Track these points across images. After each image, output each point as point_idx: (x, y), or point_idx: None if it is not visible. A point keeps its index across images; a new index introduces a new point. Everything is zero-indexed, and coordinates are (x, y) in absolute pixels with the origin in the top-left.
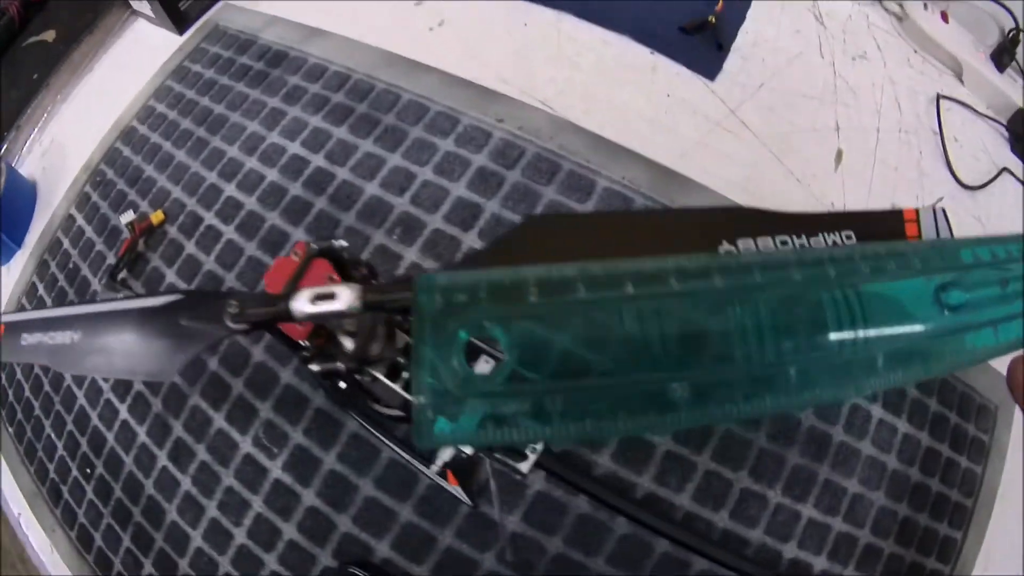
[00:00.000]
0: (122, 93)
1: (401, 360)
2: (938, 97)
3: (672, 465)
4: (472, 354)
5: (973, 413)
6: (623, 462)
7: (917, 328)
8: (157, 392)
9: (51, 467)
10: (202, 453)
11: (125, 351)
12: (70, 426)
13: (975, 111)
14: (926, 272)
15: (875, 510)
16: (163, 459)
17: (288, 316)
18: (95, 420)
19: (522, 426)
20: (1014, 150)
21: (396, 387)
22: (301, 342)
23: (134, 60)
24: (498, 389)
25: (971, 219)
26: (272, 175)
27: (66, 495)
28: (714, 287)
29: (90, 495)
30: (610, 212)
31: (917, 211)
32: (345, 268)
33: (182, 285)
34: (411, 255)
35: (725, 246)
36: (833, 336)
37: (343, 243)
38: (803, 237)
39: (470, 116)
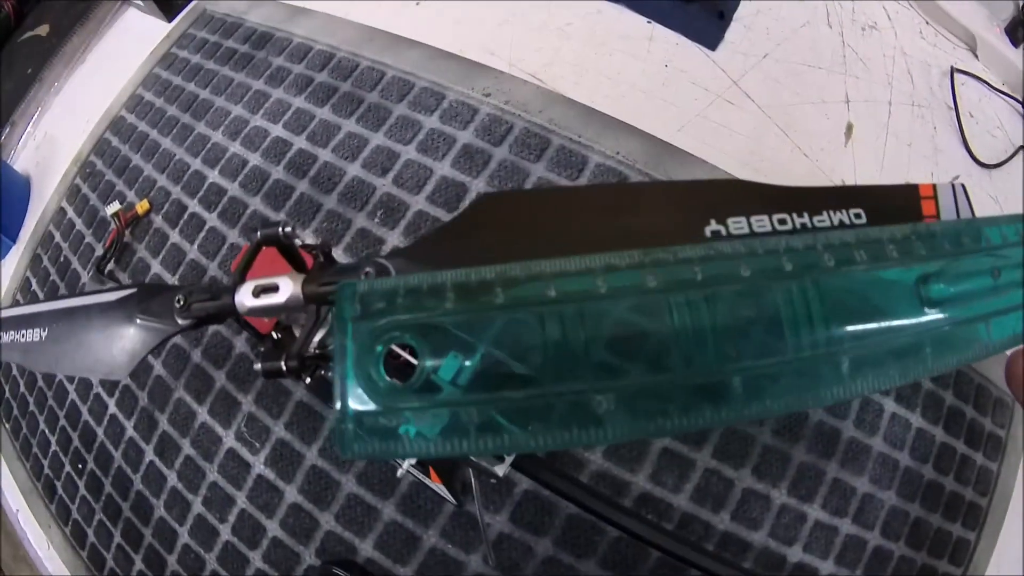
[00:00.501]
0: (113, 83)
1: None
2: (952, 70)
3: (669, 463)
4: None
5: (990, 407)
6: (616, 460)
7: (892, 326)
8: (143, 386)
9: (45, 463)
10: (187, 448)
11: (87, 348)
12: (62, 421)
13: (991, 86)
14: (903, 262)
15: (885, 511)
16: (150, 454)
17: (233, 310)
18: (85, 415)
19: (436, 441)
20: None
21: None
22: (272, 334)
23: (125, 49)
24: (413, 402)
25: (987, 198)
26: (255, 159)
27: (60, 491)
28: (646, 287)
29: (82, 491)
30: (579, 187)
31: (935, 187)
32: (294, 256)
33: (167, 275)
34: (393, 238)
35: (713, 226)
36: (787, 339)
37: (287, 229)
38: (804, 215)
39: (456, 91)
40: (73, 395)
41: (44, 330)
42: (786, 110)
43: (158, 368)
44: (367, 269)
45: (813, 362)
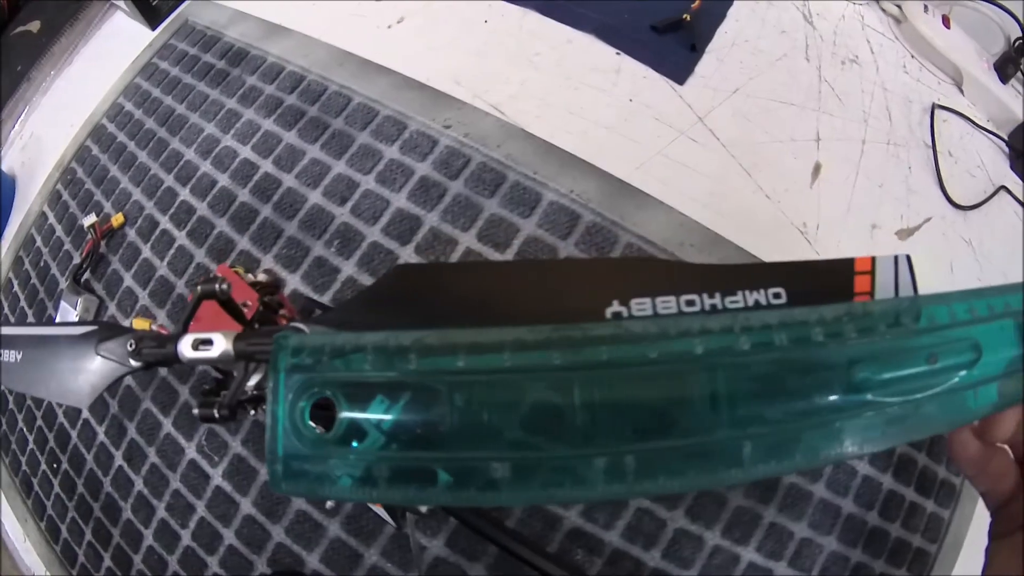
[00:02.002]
0: (97, 88)
1: None
2: (933, 107)
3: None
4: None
5: (945, 454)
6: None
7: (807, 410)
8: (114, 394)
9: (23, 459)
10: (152, 456)
11: (57, 375)
12: (39, 421)
13: (974, 124)
14: (828, 346)
15: (824, 556)
16: (119, 459)
17: (176, 359)
18: (61, 417)
19: (352, 489)
20: (1014, 167)
21: None
22: (214, 373)
23: (111, 54)
24: (332, 452)
25: (961, 242)
26: (223, 180)
27: (36, 487)
28: (551, 364)
29: (57, 489)
30: (489, 263)
31: (873, 260)
32: (233, 309)
33: (138, 289)
34: (348, 269)
35: (615, 307)
36: (688, 421)
37: (223, 286)
38: (716, 296)
39: (418, 121)
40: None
41: (20, 353)
42: (753, 149)
43: (128, 379)
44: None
45: (713, 445)
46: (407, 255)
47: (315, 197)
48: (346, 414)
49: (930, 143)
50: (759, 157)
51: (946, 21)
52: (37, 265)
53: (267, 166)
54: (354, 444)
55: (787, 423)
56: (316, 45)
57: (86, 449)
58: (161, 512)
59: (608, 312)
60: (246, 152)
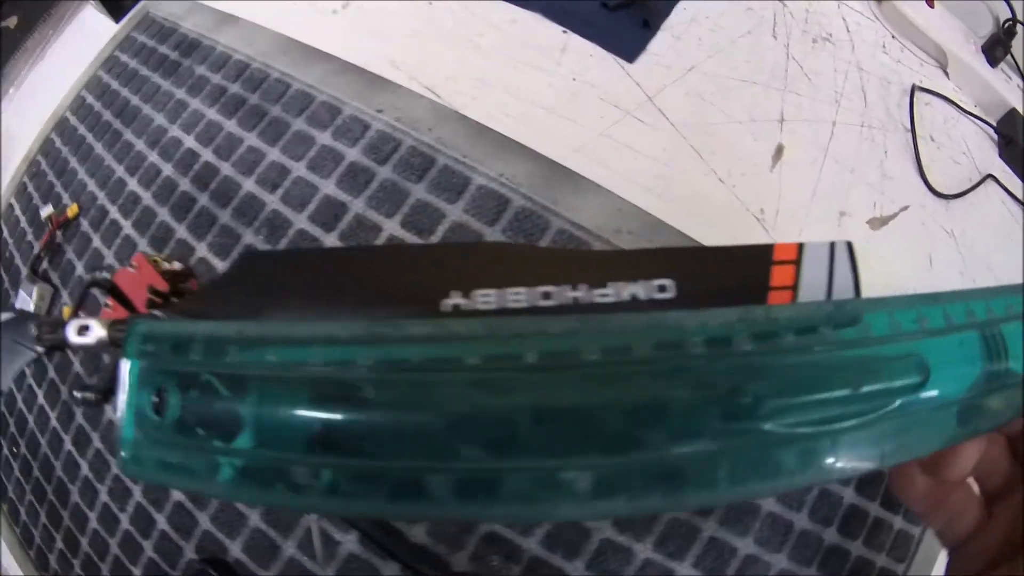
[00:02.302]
0: (64, 82)
1: None
2: (913, 88)
3: None
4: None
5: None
6: None
7: (673, 438)
8: (65, 379)
9: None
10: (96, 441)
11: None
12: (2, 408)
13: (960, 108)
14: (708, 360)
15: (773, 574)
16: (68, 444)
17: (65, 344)
18: (20, 403)
19: (189, 479)
20: (1002, 155)
21: None
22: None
23: (79, 48)
24: (171, 442)
25: (942, 232)
26: (167, 169)
27: None
28: (357, 362)
29: (16, 473)
30: (338, 248)
31: (799, 248)
32: (120, 297)
33: (87, 279)
34: None
35: (453, 299)
36: (513, 442)
37: (105, 275)
38: (580, 288)
39: (352, 106)
40: (10, 383)
41: None
42: (707, 130)
43: (76, 366)
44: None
45: (535, 472)
46: (331, 242)
47: (249, 185)
48: (176, 404)
49: (909, 127)
50: (713, 138)
51: (931, 1)
52: (2, 256)
53: (208, 155)
54: (190, 435)
55: (636, 454)
56: (262, 33)
57: (40, 433)
58: (104, 496)
59: (447, 304)
60: (190, 141)
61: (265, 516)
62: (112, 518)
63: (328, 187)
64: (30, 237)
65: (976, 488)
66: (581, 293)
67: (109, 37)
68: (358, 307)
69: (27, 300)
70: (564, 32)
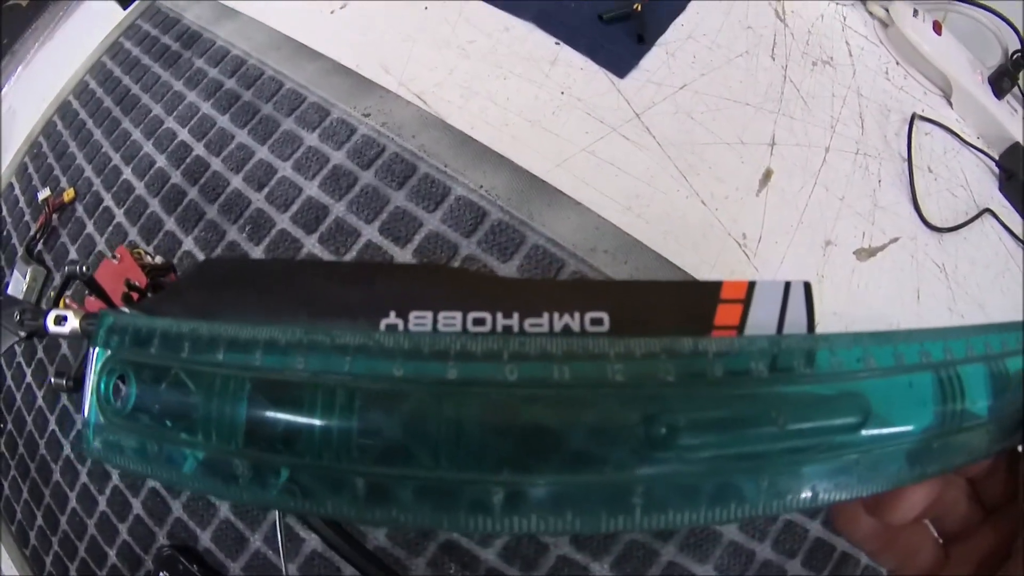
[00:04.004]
0: (70, 65)
1: None
2: (913, 116)
3: None
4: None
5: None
6: None
7: (568, 459)
8: (53, 360)
9: None
10: (79, 423)
11: None
12: None
13: (961, 139)
14: (627, 388)
15: None
16: (52, 423)
17: (44, 332)
18: (8, 380)
19: (141, 462)
20: (1002, 189)
21: None
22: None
23: (86, 32)
24: (128, 428)
25: (932, 266)
26: (161, 161)
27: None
28: (294, 368)
29: (1, 448)
30: (290, 261)
31: (750, 286)
32: (96, 289)
33: (66, 271)
34: (256, 254)
35: (391, 318)
36: (427, 456)
37: (84, 268)
38: (513, 316)
39: (340, 108)
40: None
41: None
42: (694, 150)
43: (64, 347)
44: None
45: (450, 485)
46: (311, 244)
47: (236, 182)
48: (133, 392)
49: (906, 156)
50: (699, 159)
51: (937, 27)
52: (1, 234)
53: (199, 149)
54: (144, 421)
55: (551, 475)
56: (259, 28)
57: (27, 412)
58: (83, 477)
59: (383, 323)
60: (183, 134)
61: (234, 508)
62: (90, 499)
63: (311, 189)
64: (27, 218)
65: (932, 529)
66: (513, 321)
67: (115, 22)
68: (301, 319)
69: (20, 281)
70: (556, 43)
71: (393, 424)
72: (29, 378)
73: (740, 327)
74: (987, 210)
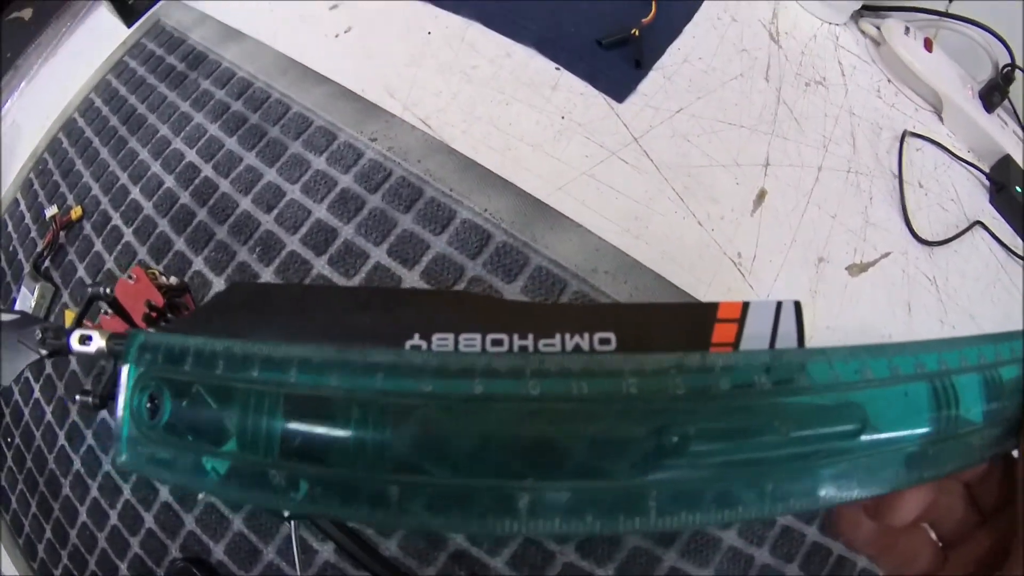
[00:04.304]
0: (74, 81)
1: None
2: (904, 134)
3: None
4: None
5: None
6: None
7: (590, 467)
8: (61, 376)
9: None
10: (89, 438)
11: None
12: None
13: (952, 154)
14: (640, 400)
15: None
16: (62, 438)
17: (68, 350)
18: (16, 395)
19: (178, 475)
20: (993, 202)
21: None
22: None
23: (91, 48)
24: (165, 440)
25: (923, 279)
26: (169, 181)
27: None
28: (329, 385)
29: (9, 462)
30: (314, 287)
31: (744, 307)
32: (120, 310)
33: (88, 281)
34: (266, 275)
35: (415, 339)
36: (446, 467)
37: (108, 290)
38: (528, 338)
39: (347, 133)
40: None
41: None
42: (690, 172)
43: (73, 364)
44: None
45: (478, 492)
46: (320, 266)
47: (245, 203)
48: (168, 408)
49: (897, 173)
50: (696, 181)
51: (928, 44)
52: (7, 249)
53: (208, 170)
54: (179, 436)
55: (572, 480)
56: (265, 51)
57: (36, 427)
58: (93, 492)
59: (407, 344)
60: (191, 155)
61: (247, 521)
62: (101, 513)
63: (320, 211)
64: (33, 234)
65: (931, 533)
66: (528, 342)
67: (119, 40)
68: (328, 342)
69: (28, 297)
70: (557, 69)
71: (424, 435)
72: (37, 393)
73: (735, 344)
74: (977, 222)
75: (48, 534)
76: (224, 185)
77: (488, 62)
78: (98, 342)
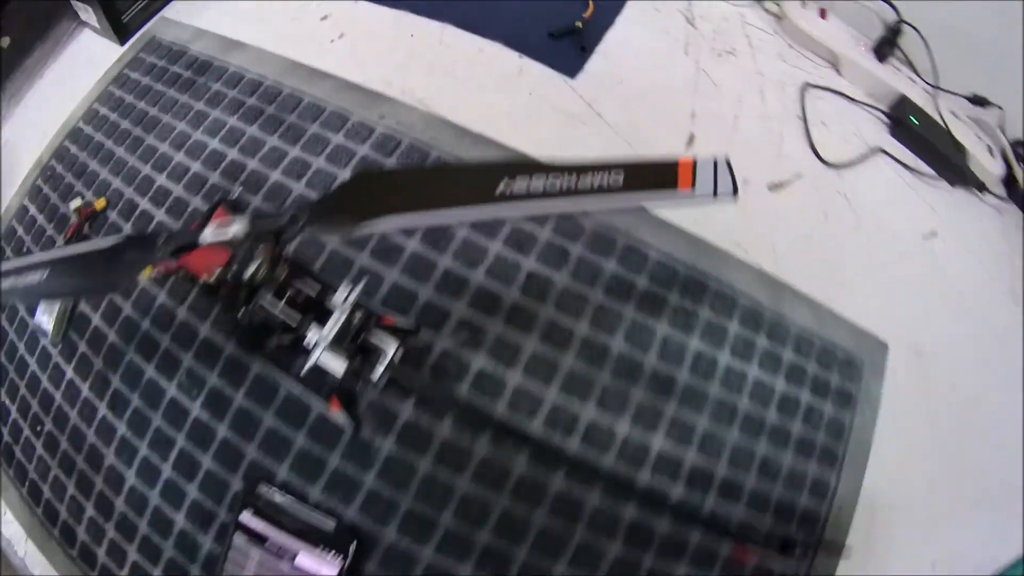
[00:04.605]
0: (69, 98)
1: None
2: (804, 85)
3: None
4: None
5: (835, 365)
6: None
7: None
8: (99, 352)
9: (5, 430)
10: (135, 400)
11: (92, 274)
12: (23, 391)
13: (849, 98)
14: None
15: (729, 446)
16: (103, 409)
17: (196, 241)
18: (45, 382)
19: None
20: (894, 134)
21: (278, 307)
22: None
23: (80, 68)
24: None
25: (835, 195)
26: (196, 167)
27: (18, 454)
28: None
29: (40, 451)
30: (419, 167)
31: (694, 162)
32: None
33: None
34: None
35: (505, 183)
36: None
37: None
38: (572, 175)
39: (358, 114)
40: (34, 366)
41: (42, 273)
42: (634, 127)
43: (112, 336)
44: (292, 213)
45: None
46: None
47: (276, 175)
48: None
49: (802, 115)
50: (638, 133)
51: (823, 13)
52: (20, 251)
53: (234, 154)
54: None
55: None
56: (269, 56)
57: (70, 406)
58: (143, 451)
59: (500, 187)
60: (215, 144)
61: (309, 436)
62: (152, 470)
63: (345, 174)
64: (51, 232)
65: None
66: (572, 178)
67: (111, 58)
68: (439, 198)
69: None
70: (520, 57)
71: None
72: (71, 374)
73: (692, 184)
74: (880, 149)
75: (90, 511)
76: (252, 163)
77: (465, 59)
78: (238, 225)
